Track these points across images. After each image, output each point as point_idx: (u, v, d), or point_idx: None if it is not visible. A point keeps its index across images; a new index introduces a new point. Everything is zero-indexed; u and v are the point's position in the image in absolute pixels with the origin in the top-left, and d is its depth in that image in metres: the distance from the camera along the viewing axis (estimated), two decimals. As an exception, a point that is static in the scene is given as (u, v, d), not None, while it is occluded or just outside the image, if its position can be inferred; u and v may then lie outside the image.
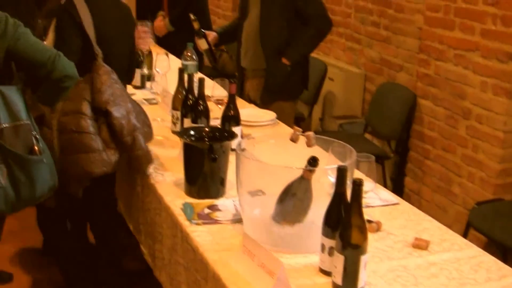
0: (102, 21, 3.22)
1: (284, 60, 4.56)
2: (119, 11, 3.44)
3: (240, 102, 3.73)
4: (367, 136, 5.59)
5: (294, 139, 2.56)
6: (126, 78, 3.64)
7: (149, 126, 3.31)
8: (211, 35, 4.88)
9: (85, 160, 3.02)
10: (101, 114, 3.07)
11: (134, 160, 3.10)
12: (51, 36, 3.17)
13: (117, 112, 3.07)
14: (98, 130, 3.06)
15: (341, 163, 2.25)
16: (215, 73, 4.63)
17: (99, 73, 3.09)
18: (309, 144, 2.52)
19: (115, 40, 3.36)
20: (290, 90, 4.73)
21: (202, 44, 4.77)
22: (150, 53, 4.63)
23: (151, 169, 3.11)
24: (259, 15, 4.61)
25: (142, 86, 4.55)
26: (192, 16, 4.68)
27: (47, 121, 3.06)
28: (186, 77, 3.51)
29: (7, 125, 2.77)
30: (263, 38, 4.60)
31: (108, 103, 3.05)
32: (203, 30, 4.73)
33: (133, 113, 3.16)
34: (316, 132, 2.55)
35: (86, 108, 3.03)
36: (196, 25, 4.67)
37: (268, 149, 2.61)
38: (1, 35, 2.75)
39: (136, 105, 3.31)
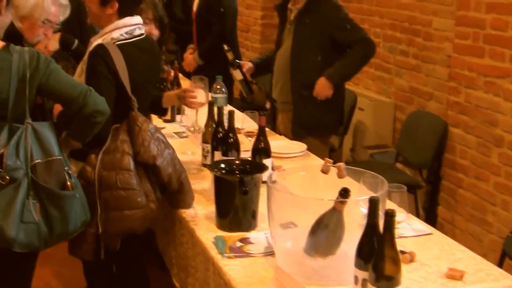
0: (134, 69, 3.15)
1: (321, 87, 4.46)
2: (149, 55, 3.35)
3: (270, 134, 3.73)
4: (399, 165, 5.56)
5: (325, 171, 2.56)
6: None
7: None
8: (246, 65, 4.76)
9: (130, 217, 2.96)
10: (142, 166, 3.02)
11: (179, 200, 3.09)
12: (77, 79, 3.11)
13: (163, 164, 3.01)
14: (140, 183, 3.03)
15: (373, 194, 2.24)
16: (245, 106, 4.60)
17: (138, 124, 3.02)
18: (340, 175, 2.52)
19: (146, 87, 3.30)
20: (324, 128, 4.65)
21: (237, 75, 4.65)
22: (179, 86, 4.64)
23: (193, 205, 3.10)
24: (291, 47, 4.57)
25: (172, 120, 4.57)
26: (225, 47, 4.59)
27: (87, 175, 3.03)
28: (216, 110, 3.53)
29: (39, 160, 2.79)
30: (293, 70, 4.55)
31: (155, 157, 2.99)
32: (237, 61, 4.65)
33: (177, 157, 3.14)
34: (347, 163, 2.56)
35: (130, 163, 2.97)
36: (230, 56, 4.59)
37: (299, 181, 2.61)
38: (33, 72, 2.78)
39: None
